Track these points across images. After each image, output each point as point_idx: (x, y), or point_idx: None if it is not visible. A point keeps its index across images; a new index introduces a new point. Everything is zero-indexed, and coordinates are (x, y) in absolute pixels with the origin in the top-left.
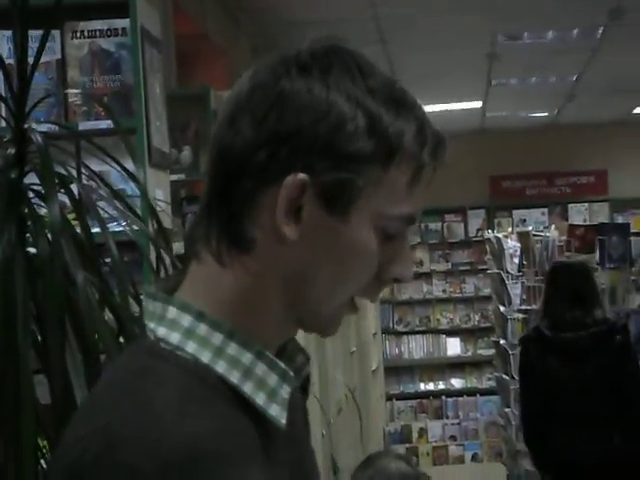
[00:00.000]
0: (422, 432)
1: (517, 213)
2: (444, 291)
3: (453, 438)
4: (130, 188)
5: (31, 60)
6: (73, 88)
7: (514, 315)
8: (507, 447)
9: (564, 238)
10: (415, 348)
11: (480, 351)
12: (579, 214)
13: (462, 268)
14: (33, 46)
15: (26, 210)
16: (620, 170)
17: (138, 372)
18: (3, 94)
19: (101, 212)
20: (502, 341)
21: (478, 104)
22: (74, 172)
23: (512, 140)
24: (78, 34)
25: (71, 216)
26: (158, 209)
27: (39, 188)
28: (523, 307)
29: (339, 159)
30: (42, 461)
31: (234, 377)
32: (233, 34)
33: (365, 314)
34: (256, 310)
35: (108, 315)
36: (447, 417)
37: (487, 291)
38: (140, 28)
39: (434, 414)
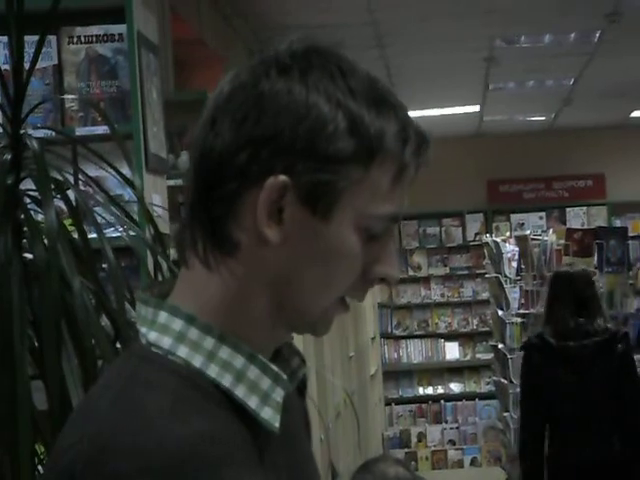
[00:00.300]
0: (421, 437)
1: (515, 217)
2: (442, 295)
3: (452, 442)
4: (127, 194)
5: (27, 65)
6: (70, 93)
7: (512, 319)
8: (506, 451)
9: (562, 242)
10: (414, 352)
11: (479, 355)
12: (577, 218)
13: (460, 272)
14: (29, 51)
15: (22, 216)
16: (618, 174)
17: (130, 377)
18: None
19: (98, 218)
20: (500, 345)
21: (476, 108)
22: (71, 178)
23: (510, 144)
24: (75, 40)
25: (67, 222)
26: (155, 214)
27: (35, 194)
28: (521, 311)
29: (320, 160)
30: (39, 467)
31: (226, 381)
32: (230, 39)
33: (363, 319)
34: (245, 313)
35: (105, 321)
36: (446, 421)
37: (485, 295)
38: (137, 33)
39: (433, 418)
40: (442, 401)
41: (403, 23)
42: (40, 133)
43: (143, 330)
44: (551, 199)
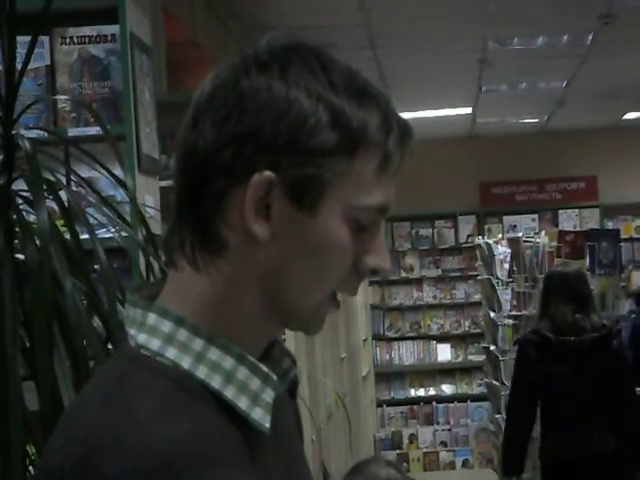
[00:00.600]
0: (412, 438)
1: (507, 219)
2: (434, 297)
3: (444, 444)
4: (119, 194)
5: (19, 66)
6: (62, 94)
7: (504, 321)
8: (498, 453)
9: (554, 244)
10: (405, 354)
11: (470, 357)
12: (569, 220)
13: (452, 274)
14: (22, 52)
15: (14, 216)
16: (610, 176)
17: (119, 379)
18: None
19: (90, 218)
20: (492, 347)
21: (468, 110)
22: (63, 178)
23: (502, 146)
24: (67, 40)
25: (60, 222)
26: (147, 215)
27: (27, 194)
28: (513, 313)
29: (303, 154)
30: (30, 467)
31: (215, 382)
32: (223, 40)
33: (355, 320)
34: (235, 313)
35: (96, 322)
36: (438, 423)
37: (477, 297)
38: (130, 34)
39: (425, 420)
40: (434, 403)
41: (396, 24)
42: (32, 134)
43: (132, 332)
44: (543, 201)
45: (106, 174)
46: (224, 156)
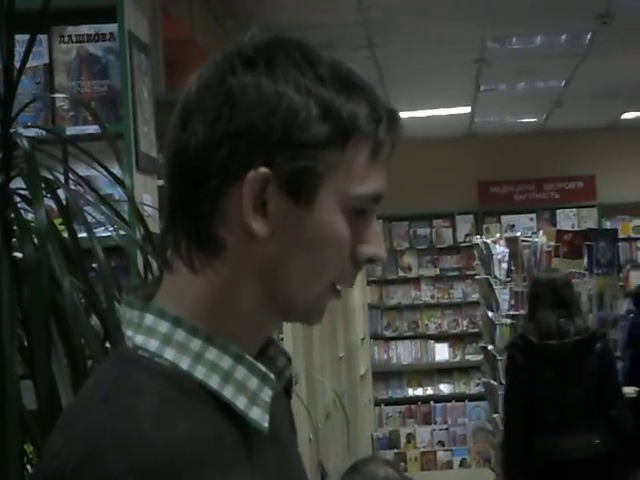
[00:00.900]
0: (410, 437)
1: (505, 219)
2: (432, 296)
3: (441, 443)
4: (117, 193)
5: (18, 64)
6: (60, 93)
7: (502, 320)
8: (495, 452)
9: (552, 244)
10: (403, 353)
11: (468, 357)
12: (567, 219)
13: (450, 274)
14: (20, 50)
15: (12, 215)
16: (608, 176)
17: (117, 380)
18: None
19: (88, 217)
20: (490, 347)
21: (467, 109)
22: (61, 177)
23: (500, 146)
24: (66, 39)
25: (58, 221)
26: (145, 214)
27: (26, 193)
28: (511, 313)
29: (296, 148)
30: (28, 467)
31: (214, 382)
32: (221, 39)
33: (353, 319)
34: (232, 312)
35: (94, 320)
36: (435, 422)
37: (475, 297)
38: (128, 33)
39: (422, 419)
40: (431, 402)
41: (394, 24)
42: (30, 132)
43: (129, 333)
44: (541, 201)
45: (104, 173)
46: (218, 155)
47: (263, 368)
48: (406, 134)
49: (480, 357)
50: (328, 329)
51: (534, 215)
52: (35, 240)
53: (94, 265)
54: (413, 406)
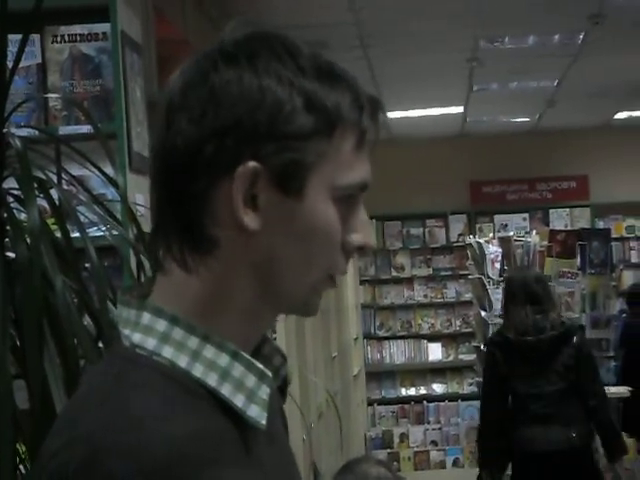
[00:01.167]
0: (403, 437)
1: (498, 218)
2: (425, 296)
3: (434, 443)
4: (110, 193)
5: (10, 64)
6: (53, 92)
7: (495, 320)
8: None
9: (545, 243)
10: (396, 353)
11: (461, 356)
12: (560, 219)
13: (443, 273)
14: (13, 50)
15: (5, 215)
16: (601, 175)
17: (116, 379)
18: None
19: (81, 217)
20: (483, 346)
21: (459, 109)
22: (54, 177)
23: (493, 145)
24: (59, 38)
25: (50, 221)
26: (138, 214)
27: (18, 193)
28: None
29: (283, 141)
30: (20, 466)
31: (212, 380)
32: (214, 39)
33: (346, 319)
34: (228, 309)
35: (87, 320)
36: (428, 422)
37: (468, 296)
38: (121, 33)
39: (415, 419)
40: (425, 402)
41: (387, 23)
42: (23, 132)
43: (126, 332)
44: (534, 200)
45: (97, 172)
46: (206, 152)
47: (260, 366)
48: (399, 134)
49: (473, 357)
50: (321, 329)
51: (527, 215)
52: (28, 240)
53: (87, 265)
54: (406, 406)
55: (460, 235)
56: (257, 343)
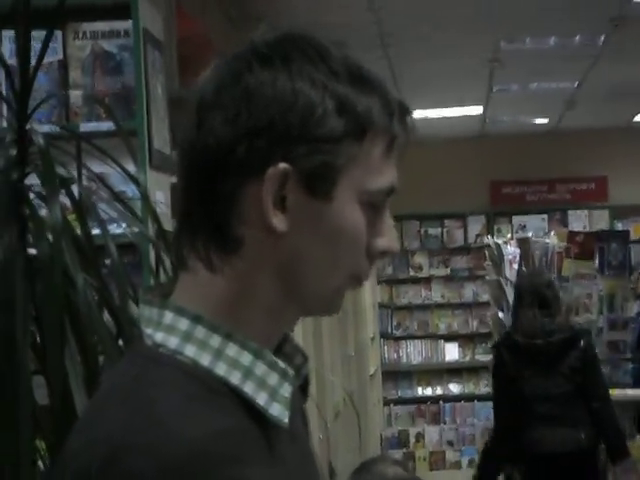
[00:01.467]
0: (419, 437)
1: (517, 219)
2: (443, 296)
3: (450, 443)
4: (130, 190)
5: (33, 61)
6: (74, 89)
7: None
8: None
9: (564, 245)
10: (413, 353)
11: (478, 357)
12: (579, 221)
13: (461, 274)
14: (35, 47)
15: (27, 211)
16: (620, 177)
17: (138, 378)
18: (5, 94)
19: (101, 214)
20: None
21: (479, 110)
22: (75, 173)
23: (512, 146)
24: (80, 35)
25: (71, 217)
26: (158, 211)
27: (40, 189)
28: None
29: (314, 143)
30: (40, 463)
31: (235, 378)
32: (234, 37)
33: (364, 318)
34: (251, 308)
35: (107, 317)
36: (444, 422)
37: (486, 297)
38: (142, 30)
39: (431, 419)
40: (441, 402)
41: (407, 23)
42: (44, 128)
43: (148, 331)
44: (553, 201)
45: (118, 169)
46: (238, 152)
47: (283, 364)
48: (418, 134)
49: (490, 357)
50: (338, 328)
51: (545, 216)
52: (49, 237)
53: (107, 262)
54: (422, 406)
55: (478, 236)
56: (278, 342)
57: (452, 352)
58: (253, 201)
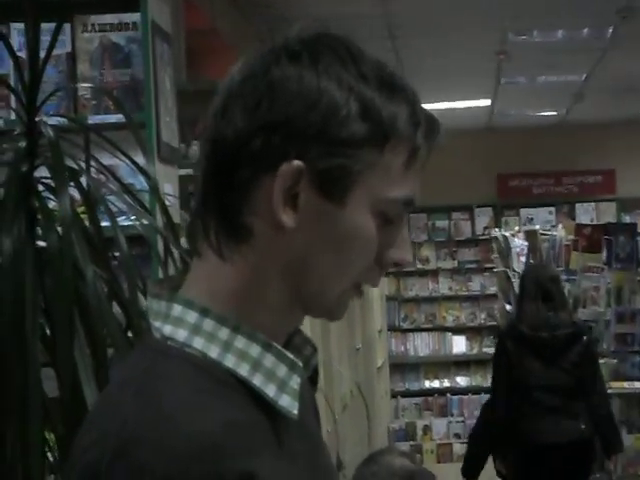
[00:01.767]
0: (426, 430)
1: (524, 212)
2: (450, 289)
3: (457, 436)
4: (139, 182)
5: (42, 54)
6: (83, 82)
7: None
8: None
9: (571, 237)
10: (420, 345)
11: (485, 349)
12: (586, 213)
13: (469, 266)
14: (44, 39)
15: (36, 203)
16: (628, 170)
17: (148, 371)
18: (14, 87)
19: (110, 206)
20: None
21: (487, 102)
22: (84, 166)
23: (520, 139)
24: (89, 28)
25: (80, 210)
26: (167, 203)
27: (49, 181)
28: None
29: (333, 145)
30: (49, 454)
31: (243, 370)
32: (243, 29)
33: (371, 311)
34: (260, 301)
35: (116, 309)
36: (452, 415)
37: (493, 289)
38: (151, 22)
39: (439, 412)
40: (448, 394)
41: (415, 15)
42: (53, 121)
43: (157, 324)
44: (561, 194)
45: (127, 162)
46: (254, 144)
47: (291, 356)
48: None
49: None
50: (345, 321)
51: (553, 209)
52: (59, 229)
53: (116, 254)
54: (430, 398)
55: (486, 228)
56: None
57: (459, 345)
58: (265, 194)
